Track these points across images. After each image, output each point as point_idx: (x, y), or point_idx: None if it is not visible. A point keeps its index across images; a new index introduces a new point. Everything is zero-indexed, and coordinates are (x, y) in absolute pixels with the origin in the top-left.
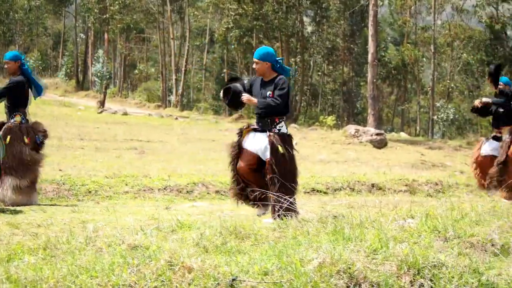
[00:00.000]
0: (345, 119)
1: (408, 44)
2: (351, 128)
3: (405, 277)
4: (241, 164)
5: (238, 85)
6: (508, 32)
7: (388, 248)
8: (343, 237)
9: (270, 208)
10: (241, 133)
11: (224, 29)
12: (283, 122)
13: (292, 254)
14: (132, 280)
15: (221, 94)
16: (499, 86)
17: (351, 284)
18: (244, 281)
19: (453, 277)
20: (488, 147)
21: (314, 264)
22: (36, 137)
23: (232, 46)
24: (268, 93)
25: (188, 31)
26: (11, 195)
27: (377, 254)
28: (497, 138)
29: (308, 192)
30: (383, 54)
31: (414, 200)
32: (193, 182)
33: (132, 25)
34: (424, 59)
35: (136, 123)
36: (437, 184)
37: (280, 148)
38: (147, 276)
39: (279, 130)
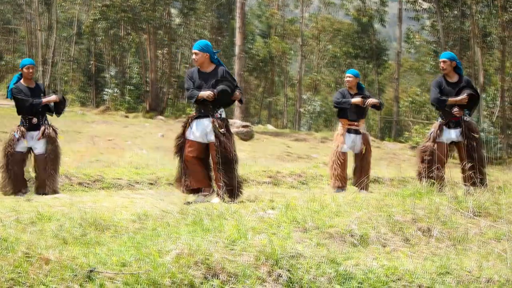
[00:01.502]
0: None
1: (276, 37)
2: None
3: (263, 268)
4: (187, 154)
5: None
6: (376, 25)
7: (246, 239)
8: (202, 228)
9: (215, 189)
10: (185, 125)
11: (92, 20)
12: (222, 108)
13: (151, 245)
14: None
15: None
16: (349, 79)
17: (209, 275)
18: (102, 272)
19: (311, 268)
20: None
21: (172, 255)
22: None
23: (100, 38)
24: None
25: (56, 22)
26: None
27: (235, 245)
28: (356, 131)
29: (172, 184)
30: (250, 46)
31: (277, 192)
32: None
33: None
34: (292, 51)
35: (1, 115)
36: (300, 176)
37: (221, 131)
38: (4, 268)
39: (220, 115)
